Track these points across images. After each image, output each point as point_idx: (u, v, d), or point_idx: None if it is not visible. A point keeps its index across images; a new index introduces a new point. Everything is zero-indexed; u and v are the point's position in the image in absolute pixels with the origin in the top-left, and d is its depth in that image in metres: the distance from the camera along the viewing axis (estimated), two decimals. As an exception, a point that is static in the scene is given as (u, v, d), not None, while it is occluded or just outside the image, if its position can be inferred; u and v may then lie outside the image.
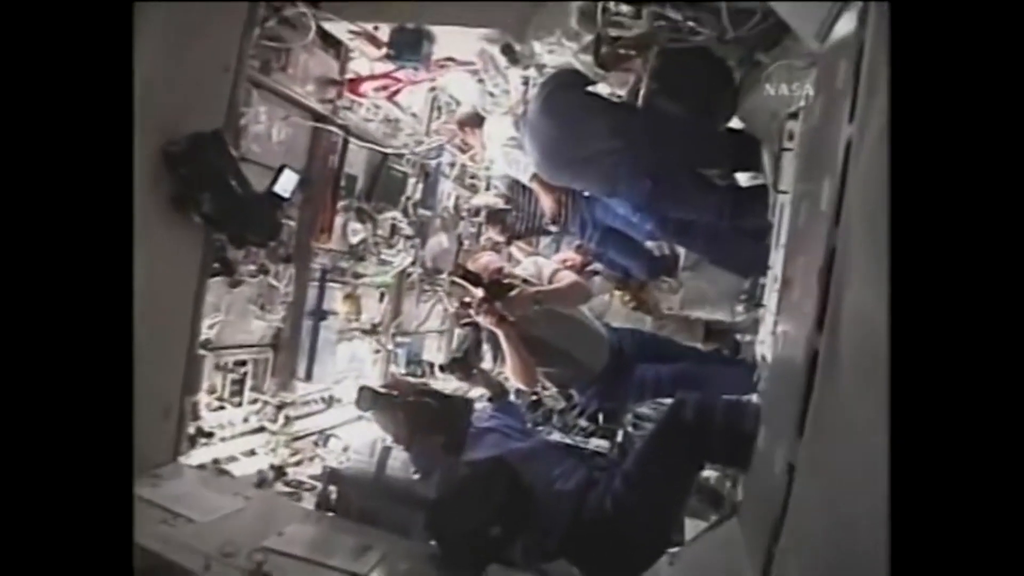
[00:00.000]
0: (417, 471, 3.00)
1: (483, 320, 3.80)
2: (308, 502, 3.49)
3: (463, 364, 3.77)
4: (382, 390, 3.26)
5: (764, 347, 3.47)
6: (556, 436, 5.39)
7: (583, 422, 5.46)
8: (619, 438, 5.37)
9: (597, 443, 5.33)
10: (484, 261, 4.07)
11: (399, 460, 3.04)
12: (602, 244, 5.11)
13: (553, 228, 5.18)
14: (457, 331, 5.66)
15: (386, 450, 3.04)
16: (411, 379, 4.69)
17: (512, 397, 4.21)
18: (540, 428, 5.46)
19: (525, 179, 4.76)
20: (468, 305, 4.05)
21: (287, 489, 3.70)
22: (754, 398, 4.35)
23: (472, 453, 2.97)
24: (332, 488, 3.00)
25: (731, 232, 4.34)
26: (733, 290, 4.88)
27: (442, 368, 3.79)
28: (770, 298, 3.34)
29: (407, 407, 3.03)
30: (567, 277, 4.12)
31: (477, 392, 4.14)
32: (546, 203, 4.90)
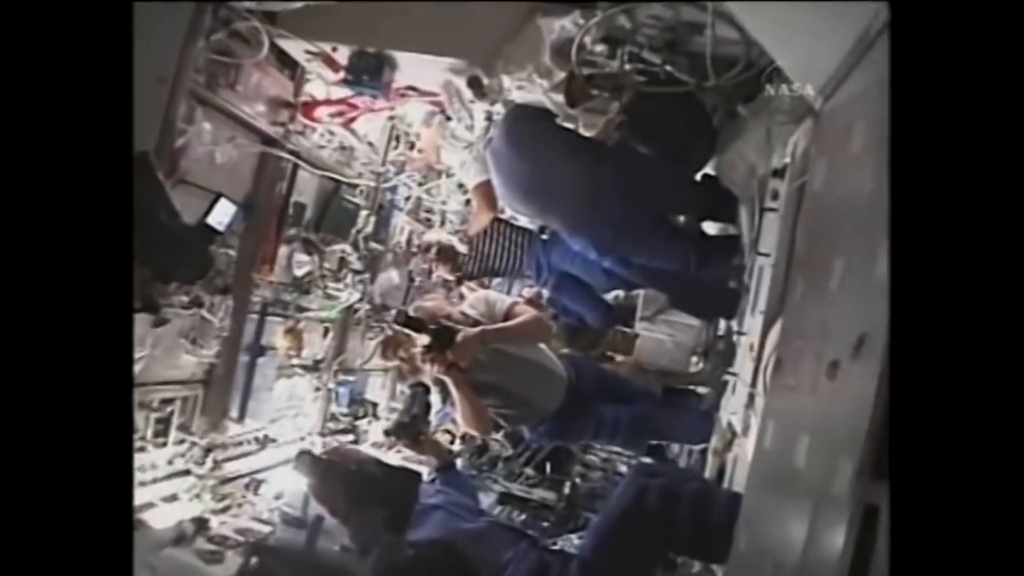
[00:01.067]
0: (354, 547, 2.54)
1: (430, 369, 3.33)
2: (231, 564, 3.03)
3: (410, 430, 3.29)
4: (323, 456, 2.80)
5: (735, 418, 3.12)
6: (499, 486, 5.02)
7: (529, 471, 5.08)
8: (566, 489, 5.01)
9: (543, 495, 4.96)
10: (430, 307, 3.57)
11: (333, 532, 2.59)
12: (557, 289, 4.73)
13: (461, 248, 4.75)
14: (399, 386, 5.19)
15: (319, 520, 2.58)
16: (355, 447, 4.23)
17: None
18: (484, 474, 5.08)
19: (471, 184, 4.34)
20: (404, 358, 3.58)
21: (209, 547, 3.21)
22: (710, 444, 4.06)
23: (416, 532, 2.53)
24: (254, 561, 2.53)
25: (708, 282, 4.00)
26: (690, 343, 4.54)
27: (387, 433, 3.30)
28: (743, 366, 2.99)
29: (348, 477, 2.58)
30: (525, 312, 3.58)
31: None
32: (478, 219, 4.51)
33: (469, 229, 4.72)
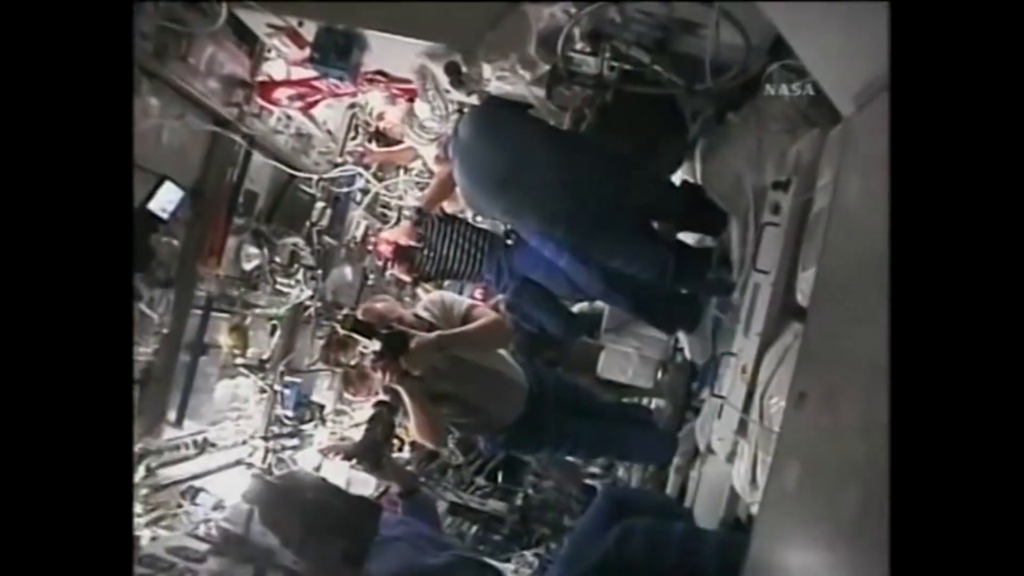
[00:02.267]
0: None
1: (381, 377, 2.92)
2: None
3: (371, 454, 2.87)
4: (276, 481, 2.40)
5: (720, 444, 2.83)
6: (450, 495, 4.67)
7: (481, 480, 4.74)
8: (518, 501, 4.69)
9: (495, 505, 4.63)
10: (380, 309, 3.15)
11: (283, 564, 2.20)
12: (518, 295, 4.37)
13: (410, 224, 4.29)
14: (346, 394, 4.74)
15: (267, 555, 2.19)
16: (311, 472, 3.81)
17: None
18: (434, 481, 4.73)
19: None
20: (349, 364, 3.18)
21: (139, 570, 2.77)
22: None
23: (375, 566, 2.15)
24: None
25: (663, 290, 3.71)
26: (656, 358, 4.25)
27: (347, 457, 2.89)
28: (733, 391, 2.69)
29: (304, 505, 2.19)
30: (485, 315, 3.18)
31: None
32: (438, 188, 3.98)
33: (428, 198, 4.10)
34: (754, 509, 2.51)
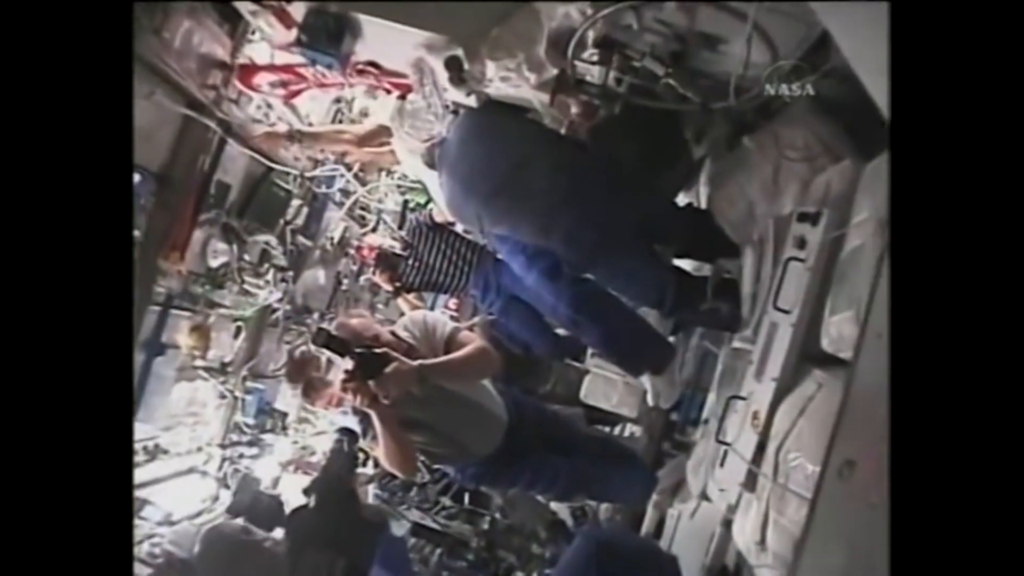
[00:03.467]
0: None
1: (351, 401, 2.55)
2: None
3: (333, 489, 2.47)
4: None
5: (721, 495, 2.51)
6: (413, 514, 4.31)
7: (447, 501, 4.37)
8: (485, 525, 4.34)
9: (460, 528, 4.27)
10: (355, 325, 2.73)
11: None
12: (504, 313, 4.04)
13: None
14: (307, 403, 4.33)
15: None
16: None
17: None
18: (397, 499, 4.36)
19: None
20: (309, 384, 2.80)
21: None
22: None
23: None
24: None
25: (641, 325, 3.37)
26: (641, 387, 3.93)
27: (306, 492, 2.49)
28: (740, 439, 2.38)
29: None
30: (470, 341, 2.80)
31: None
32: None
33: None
34: (761, 573, 2.19)
